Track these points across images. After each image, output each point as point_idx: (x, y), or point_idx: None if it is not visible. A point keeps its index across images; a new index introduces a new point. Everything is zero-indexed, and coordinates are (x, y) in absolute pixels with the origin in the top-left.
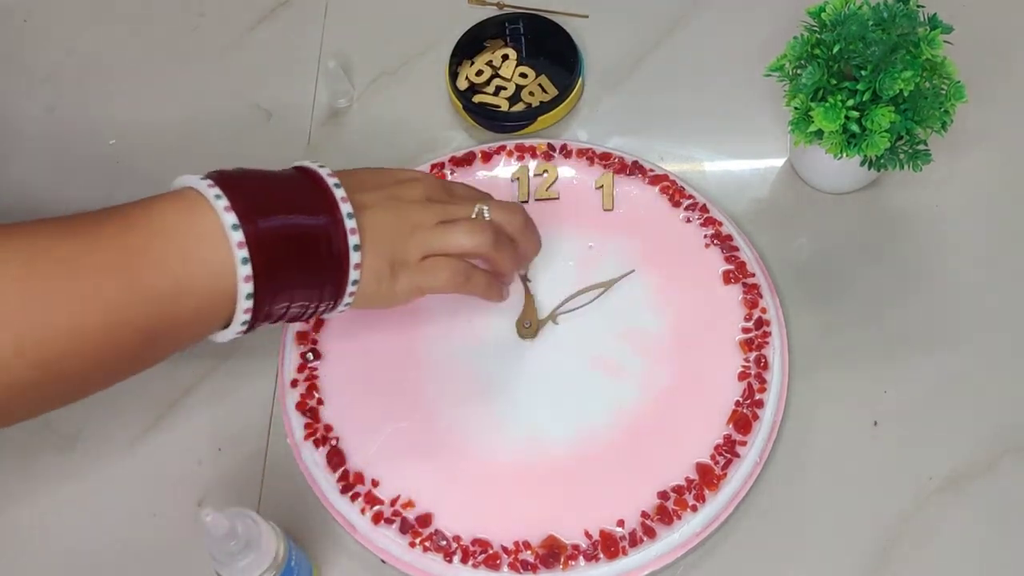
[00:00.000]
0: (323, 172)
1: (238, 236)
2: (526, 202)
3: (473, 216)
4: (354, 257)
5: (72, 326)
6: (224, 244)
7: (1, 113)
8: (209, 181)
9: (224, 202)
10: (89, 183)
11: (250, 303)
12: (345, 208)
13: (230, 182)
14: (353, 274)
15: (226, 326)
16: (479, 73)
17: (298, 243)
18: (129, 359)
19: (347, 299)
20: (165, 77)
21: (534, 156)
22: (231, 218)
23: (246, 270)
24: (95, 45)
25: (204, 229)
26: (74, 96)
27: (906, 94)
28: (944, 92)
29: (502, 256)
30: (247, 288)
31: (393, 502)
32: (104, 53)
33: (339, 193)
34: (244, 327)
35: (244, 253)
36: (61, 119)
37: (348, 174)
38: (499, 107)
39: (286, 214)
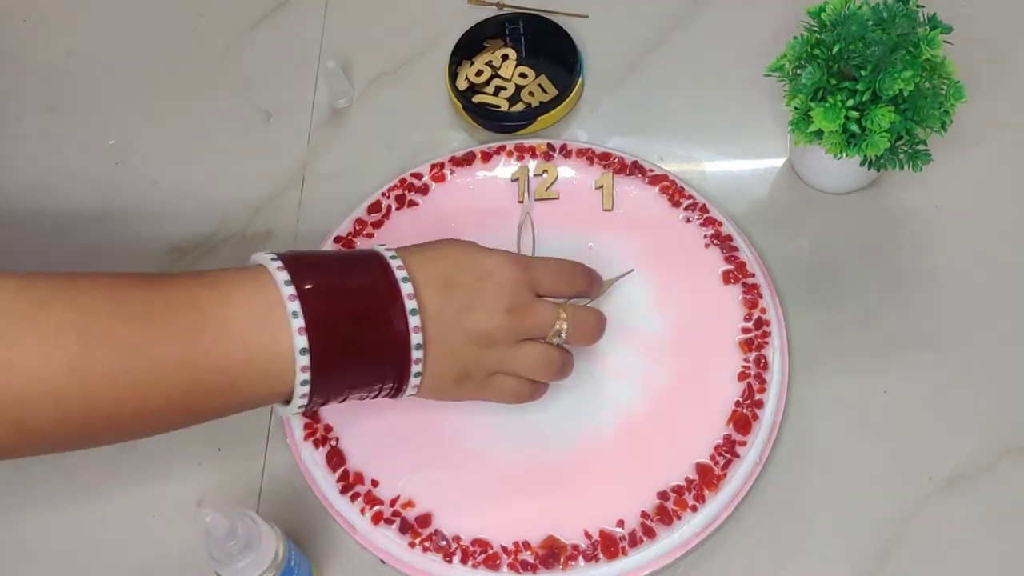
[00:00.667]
0: (394, 265)
1: (301, 341)
2: (523, 202)
3: (550, 337)
4: (415, 367)
5: (118, 409)
6: (287, 342)
7: (1, 113)
8: (285, 274)
9: (295, 304)
10: (89, 183)
11: (304, 400)
12: (413, 320)
13: (300, 275)
14: (414, 380)
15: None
16: (479, 73)
17: (359, 345)
18: (166, 427)
19: (410, 394)
20: (165, 77)
21: (534, 156)
22: (298, 322)
23: (304, 376)
24: (95, 45)
25: (269, 330)
26: (74, 96)
27: (906, 94)
28: (944, 92)
29: (564, 376)
30: (303, 389)
31: (393, 502)
32: (104, 53)
33: (406, 289)
34: (301, 411)
35: (305, 360)
36: (61, 119)
37: (426, 261)
38: (499, 107)
39: (353, 315)
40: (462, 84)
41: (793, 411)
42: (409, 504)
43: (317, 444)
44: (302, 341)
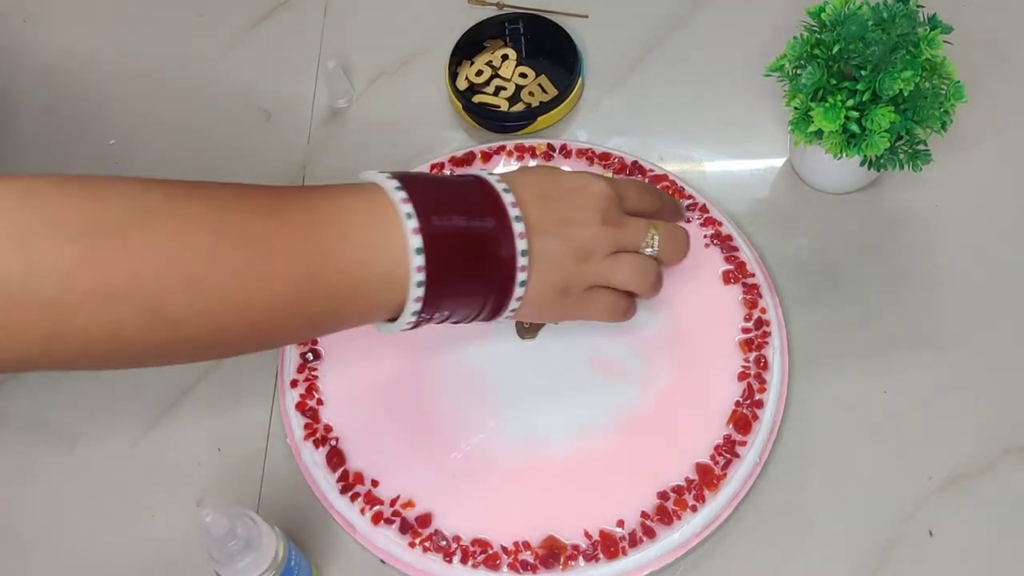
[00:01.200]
0: (492, 179)
1: (416, 241)
2: None
3: (643, 247)
4: (520, 276)
5: (249, 304)
6: (401, 244)
7: (1, 113)
8: (395, 182)
9: (408, 207)
10: None
11: (418, 306)
12: (517, 227)
13: (412, 185)
14: (519, 291)
15: (393, 319)
16: (479, 73)
17: (471, 246)
18: (288, 337)
19: (509, 312)
20: (165, 77)
21: (534, 156)
22: (412, 223)
23: (419, 276)
24: (95, 45)
25: (385, 231)
26: (74, 96)
27: (906, 94)
28: (944, 92)
29: (656, 291)
30: (418, 292)
31: (393, 502)
32: (104, 53)
33: (508, 199)
34: (410, 326)
35: (420, 260)
36: (61, 119)
37: (523, 177)
38: (499, 107)
39: (463, 216)
40: (462, 84)
41: (793, 411)
42: (409, 504)
43: (317, 444)
44: (416, 241)
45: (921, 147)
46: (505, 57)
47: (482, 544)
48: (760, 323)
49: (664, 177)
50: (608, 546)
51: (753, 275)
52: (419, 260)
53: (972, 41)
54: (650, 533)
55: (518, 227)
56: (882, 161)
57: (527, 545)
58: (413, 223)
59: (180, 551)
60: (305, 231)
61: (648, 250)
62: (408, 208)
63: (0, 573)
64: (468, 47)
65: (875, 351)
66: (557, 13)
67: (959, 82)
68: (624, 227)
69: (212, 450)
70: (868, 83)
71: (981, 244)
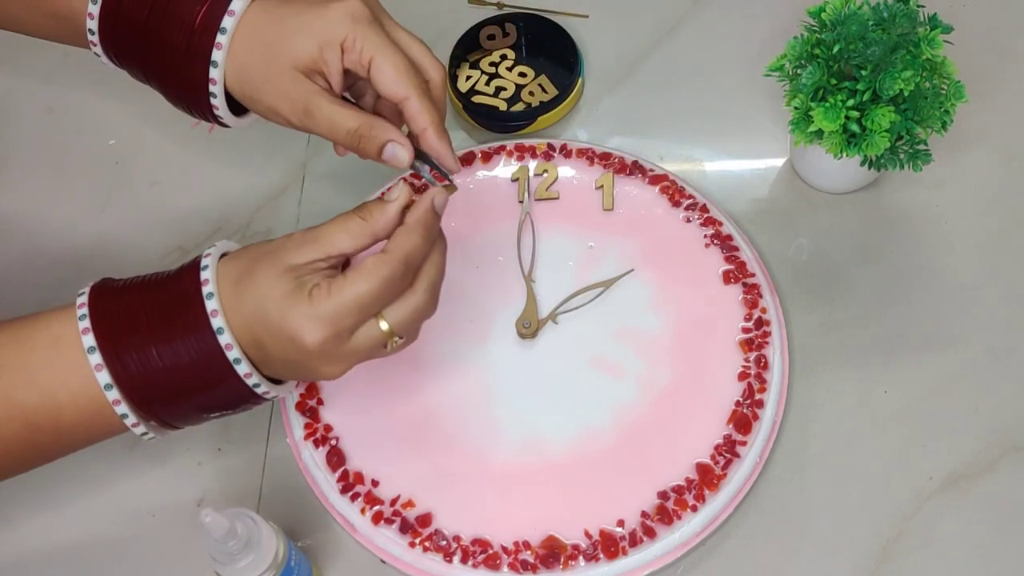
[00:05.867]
0: (212, 318)
1: (104, 378)
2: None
3: (389, 353)
4: (259, 390)
5: None
6: (92, 382)
7: (1, 113)
8: (84, 308)
9: (89, 339)
10: (89, 183)
11: (145, 429)
12: (240, 371)
13: (101, 309)
14: (264, 392)
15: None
16: (479, 73)
17: (175, 378)
18: (17, 465)
19: (270, 396)
20: None
21: (534, 156)
22: (95, 358)
23: (121, 409)
24: None
25: (70, 370)
26: (74, 96)
27: (906, 94)
28: (944, 92)
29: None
30: (132, 420)
31: (393, 502)
32: None
33: (224, 341)
34: (154, 436)
35: (114, 395)
36: (61, 119)
37: (240, 317)
38: (499, 107)
39: (162, 344)
40: (462, 84)
41: (793, 411)
42: (409, 504)
43: (317, 444)
44: (104, 378)
45: (921, 147)
46: (505, 57)
47: (482, 544)
48: (760, 323)
49: (664, 177)
50: (608, 546)
51: (753, 275)
52: (114, 395)
53: (972, 41)
54: (650, 533)
55: (241, 370)
56: (882, 161)
57: (527, 545)
58: (96, 358)
59: (180, 551)
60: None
61: (394, 345)
62: (90, 341)
63: (1, 573)
64: (468, 47)
65: (875, 351)
66: (557, 13)
67: (959, 82)
68: (354, 353)
69: (212, 450)
70: (868, 83)
71: (981, 244)
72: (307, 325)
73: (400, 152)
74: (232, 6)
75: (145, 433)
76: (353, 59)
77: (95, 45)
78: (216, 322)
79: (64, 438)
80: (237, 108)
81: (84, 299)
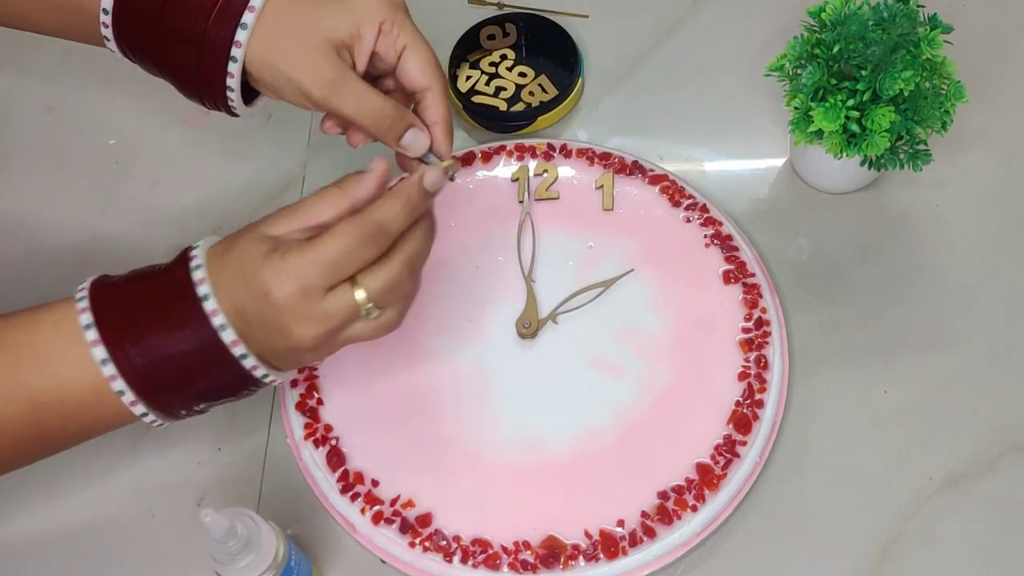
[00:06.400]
0: (197, 282)
1: (109, 369)
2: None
3: (366, 320)
4: (256, 373)
5: None
6: (96, 372)
7: (1, 113)
8: (86, 302)
9: (92, 333)
10: (89, 183)
11: (153, 417)
12: (237, 352)
13: (103, 302)
14: (263, 375)
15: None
16: (479, 73)
17: (175, 365)
18: (25, 452)
19: (272, 376)
20: None
21: (534, 156)
22: (99, 352)
23: (130, 396)
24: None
25: (75, 360)
26: (74, 95)
27: (906, 94)
28: (944, 92)
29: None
30: (140, 410)
31: (393, 502)
32: (104, 53)
33: (217, 323)
34: (161, 423)
35: (120, 385)
36: (61, 119)
37: (226, 286)
38: (499, 107)
39: (162, 332)
40: (462, 84)
41: (793, 411)
42: (409, 504)
43: (317, 444)
44: (109, 369)
45: (921, 147)
46: (505, 57)
47: (482, 544)
48: (760, 323)
49: (664, 177)
50: (608, 546)
51: (753, 275)
52: (119, 385)
53: (972, 41)
54: (650, 533)
55: (237, 351)
56: (882, 161)
57: (527, 545)
58: (100, 352)
59: (180, 551)
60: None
61: (373, 317)
62: (93, 335)
63: (1, 573)
64: (468, 47)
65: (875, 351)
66: (557, 13)
67: (959, 82)
68: (331, 317)
69: (212, 450)
70: (868, 83)
71: (981, 244)
72: (276, 279)
73: (420, 138)
74: None
75: (145, 414)
76: (388, 42)
77: (106, 27)
78: (208, 304)
79: (69, 423)
80: (247, 96)
81: (85, 290)
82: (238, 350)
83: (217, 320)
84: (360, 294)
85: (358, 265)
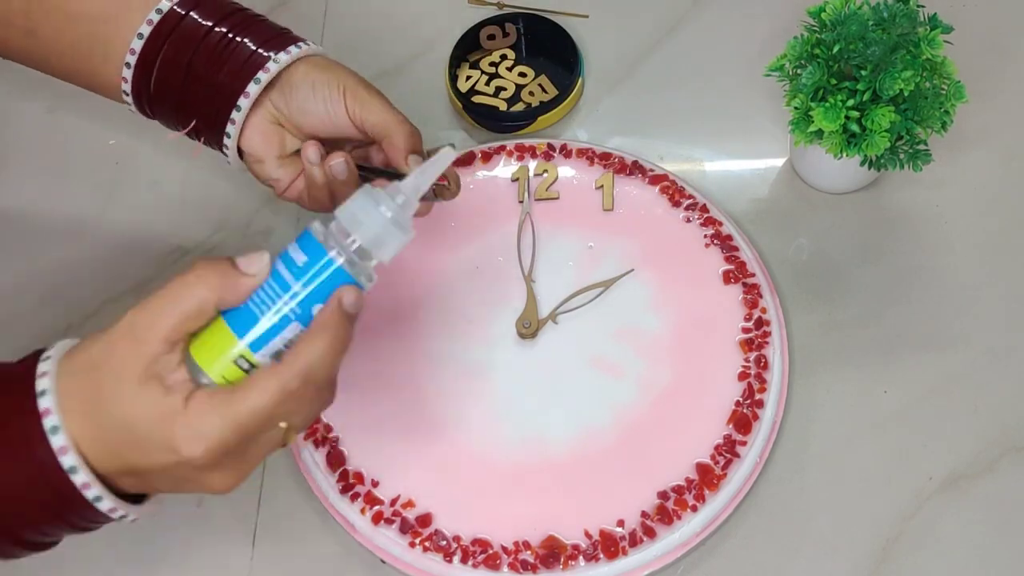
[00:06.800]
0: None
1: None
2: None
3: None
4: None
5: None
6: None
7: (1, 113)
8: None
9: None
10: (89, 183)
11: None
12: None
13: None
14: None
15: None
16: (479, 73)
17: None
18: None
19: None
20: None
21: (534, 156)
22: None
23: None
24: None
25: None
26: (74, 96)
27: (906, 94)
28: (944, 92)
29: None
30: None
31: (393, 502)
32: None
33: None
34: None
35: None
36: (61, 119)
37: (98, 445)
38: (499, 107)
39: None
40: (462, 84)
41: (793, 411)
42: (409, 504)
43: (317, 444)
44: None
45: (921, 147)
46: (505, 57)
47: (482, 544)
48: (760, 323)
49: (664, 177)
50: (608, 546)
51: (753, 275)
52: None
53: (972, 41)
54: (650, 533)
55: (103, 505)
56: (882, 161)
57: (527, 545)
58: None
59: (180, 551)
60: None
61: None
62: None
63: (1, 573)
64: (468, 47)
65: (875, 351)
66: (557, 13)
67: (959, 82)
68: (252, 458)
69: None
70: (868, 83)
71: (981, 244)
72: (195, 444)
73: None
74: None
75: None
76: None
77: (126, 82)
78: (67, 460)
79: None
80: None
81: None
82: (117, 513)
83: (91, 492)
84: (284, 425)
85: (283, 418)
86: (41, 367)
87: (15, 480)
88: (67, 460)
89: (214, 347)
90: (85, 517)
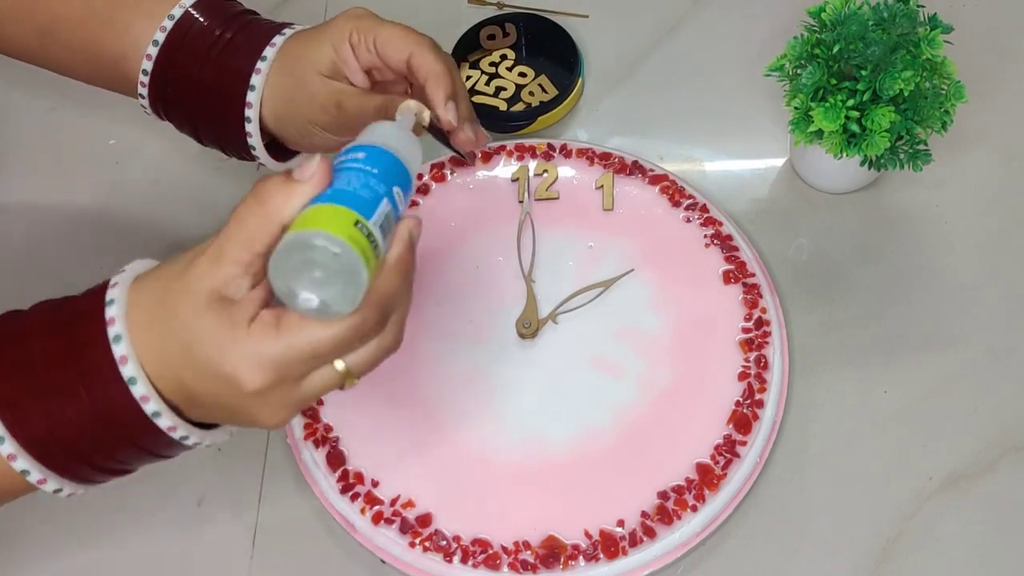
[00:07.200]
0: (125, 375)
1: (5, 446)
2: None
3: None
4: (184, 439)
5: None
6: None
7: (1, 113)
8: None
9: None
10: (89, 183)
11: (48, 487)
12: (163, 424)
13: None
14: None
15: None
16: (479, 73)
17: (84, 433)
18: None
19: (204, 444)
20: None
21: (534, 156)
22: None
23: (22, 464)
24: None
25: None
26: (74, 96)
27: (906, 94)
28: (944, 92)
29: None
30: (53, 486)
31: (393, 502)
32: None
33: (150, 410)
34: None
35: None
36: (61, 119)
37: (159, 361)
38: (499, 107)
39: (61, 395)
40: None
41: (793, 411)
42: (409, 504)
43: (317, 444)
44: (9, 448)
45: (921, 147)
46: (505, 57)
47: (482, 544)
48: (760, 323)
49: (664, 177)
50: (608, 546)
51: (753, 275)
52: (8, 448)
53: (972, 41)
54: (650, 533)
55: (164, 423)
56: (882, 161)
57: (527, 545)
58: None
59: (180, 551)
60: None
61: (351, 385)
62: None
63: (1, 573)
64: (468, 47)
65: (875, 351)
66: (557, 13)
67: (959, 82)
68: (307, 395)
69: (212, 450)
70: (868, 83)
71: (981, 244)
72: (247, 367)
73: (411, 103)
74: (264, 52)
75: (59, 490)
76: (363, 48)
77: (144, 86)
78: (127, 370)
79: None
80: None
81: None
82: (178, 433)
83: (150, 407)
84: (341, 366)
85: (351, 351)
86: (113, 280)
87: (68, 382)
88: (127, 370)
89: (324, 220)
90: (149, 436)
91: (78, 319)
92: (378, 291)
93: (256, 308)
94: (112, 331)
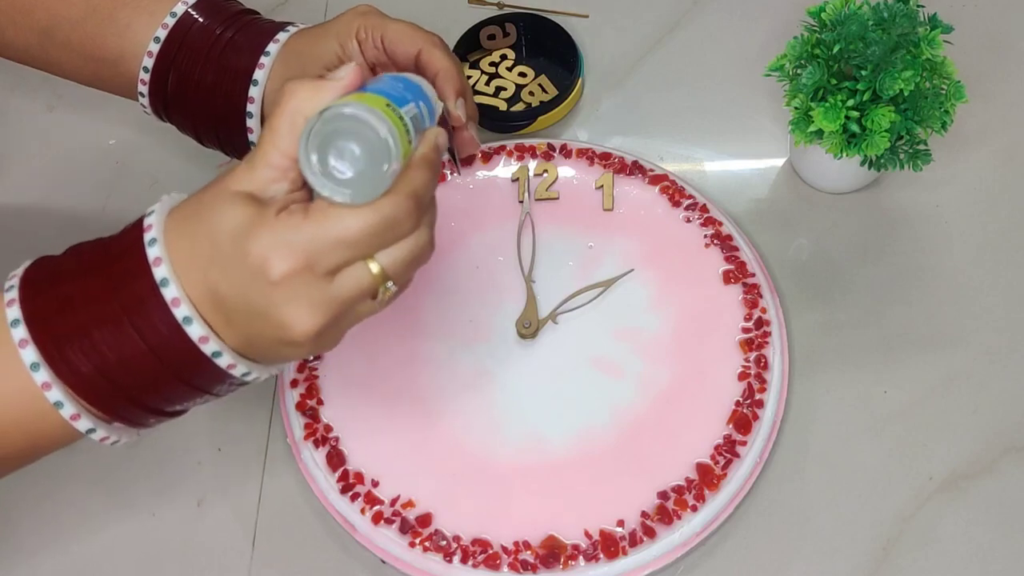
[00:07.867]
0: (158, 276)
1: (43, 376)
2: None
3: (380, 299)
4: (235, 373)
5: None
6: (27, 380)
7: (1, 113)
8: (13, 297)
9: (20, 331)
10: (89, 183)
11: (96, 435)
12: (209, 350)
13: (38, 296)
14: (241, 374)
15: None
16: (479, 73)
17: (133, 370)
18: None
19: (253, 377)
20: None
21: (534, 156)
22: (30, 354)
23: (71, 409)
24: None
25: (7, 378)
26: (74, 96)
27: (906, 94)
28: (944, 92)
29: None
30: (86, 425)
31: (393, 502)
32: None
33: (180, 313)
34: (117, 440)
35: (58, 395)
36: (61, 119)
37: (191, 262)
38: (498, 107)
39: (106, 330)
40: None
41: (793, 411)
42: (409, 504)
43: (317, 444)
44: (43, 376)
45: (921, 147)
46: (505, 57)
47: (482, 544)
48: (760, 323)
49: (664, 177)
50: (608, 546)
51: (753, 275)
52: (55, 395)
53: (972, 41)
54: (650, 533)
55: (208, 349)
56: (882, 161)
57: (527, 545)
58: (31, 355)
59: (180, 551)
60: None
61: (387, 294)
62: (21, 333)
63: (1, 574)
64: (468, 47)
65: (875, 351)
66: (557, 13)
67: (959, 82)
68: (342, 301)
69: (212, 450)
70: (868, 83)
71: (981, 244)
72: (274, 252)
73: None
74: (268, 48)
75: (92, 430)
76: (370, 46)
77: (144, 84)
78: (169, 291)
79: (4, 443)
80: None
81: (16, 277)
82: (209, 347)
83: (180, 311)
84: (376, 268)
85: (383, 247)
86: (149, 210)
87: (111, 314)
88: (160, 272)
89: (354, 98)
90: (191, 361)
91: (117, 255)
92: (410, 181)
93: (287, 203)
94: (148, 236)
